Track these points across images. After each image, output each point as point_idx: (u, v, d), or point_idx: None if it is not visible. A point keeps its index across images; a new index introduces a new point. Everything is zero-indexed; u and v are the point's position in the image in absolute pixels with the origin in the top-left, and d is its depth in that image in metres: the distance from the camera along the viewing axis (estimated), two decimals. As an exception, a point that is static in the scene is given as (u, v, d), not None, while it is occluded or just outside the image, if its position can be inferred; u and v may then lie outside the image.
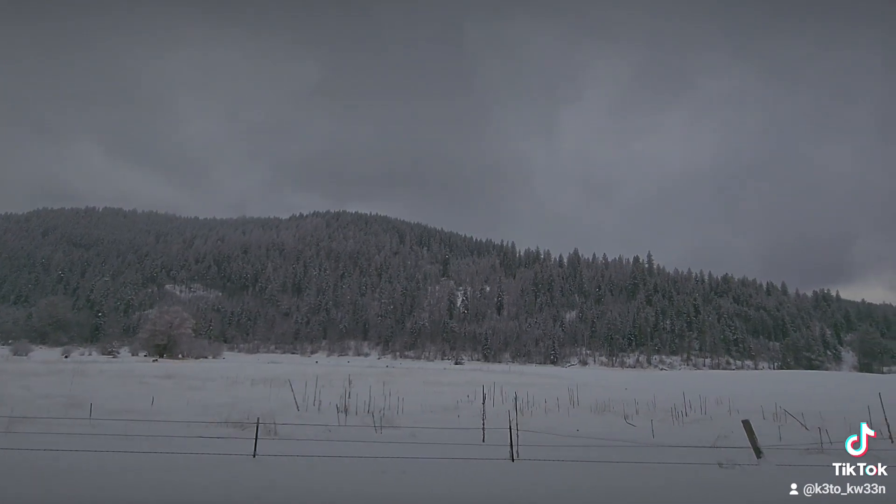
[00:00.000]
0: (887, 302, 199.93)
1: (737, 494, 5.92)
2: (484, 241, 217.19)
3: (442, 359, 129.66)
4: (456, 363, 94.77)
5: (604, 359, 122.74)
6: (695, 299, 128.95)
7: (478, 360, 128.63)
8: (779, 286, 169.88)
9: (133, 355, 66.44)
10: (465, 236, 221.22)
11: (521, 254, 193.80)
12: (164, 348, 60.73)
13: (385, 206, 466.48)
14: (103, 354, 69.05)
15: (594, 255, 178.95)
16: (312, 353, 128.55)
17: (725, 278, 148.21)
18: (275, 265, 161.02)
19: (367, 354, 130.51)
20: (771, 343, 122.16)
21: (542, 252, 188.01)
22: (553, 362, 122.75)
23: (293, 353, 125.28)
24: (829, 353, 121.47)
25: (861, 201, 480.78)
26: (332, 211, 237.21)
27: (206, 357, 68.21)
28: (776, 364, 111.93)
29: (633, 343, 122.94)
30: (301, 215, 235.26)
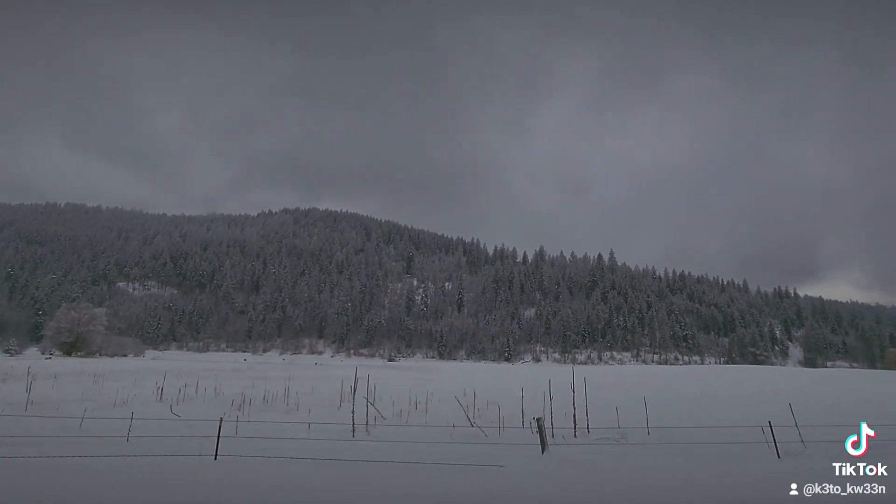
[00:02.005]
0: (854, 299, 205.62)
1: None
2: (455, 238, 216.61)
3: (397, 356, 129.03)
4: (390, 360, 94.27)
5: (557, 355, 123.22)
6: (648, 296, 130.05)
7: (432, 357, 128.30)
8: (740, 283, 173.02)
9: (43, 353, 64.30)
10: (437, 234, 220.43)
11: (491, 252, 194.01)
12: (71, 346, 58.88)
13: (360, 204, 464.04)
14: (4, 352, 66.71)
15: (561, 252, 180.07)
16: (265, 351, 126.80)
17: (682, 275, 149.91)
18: (234, 262, 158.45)
19: (321, 352, 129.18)
20: (720, 339, 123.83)
21: (508, 250, 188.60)
22: (507, 359, 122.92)
23: (244, 352, 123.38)
24: (776, 348, 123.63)
25: (829, 199, 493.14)
26: (301, 208, 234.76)
27: (125, 355, 66.41)
28: (722, 359, 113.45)
29: (587, 340, 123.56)
30: (270, 212, 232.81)
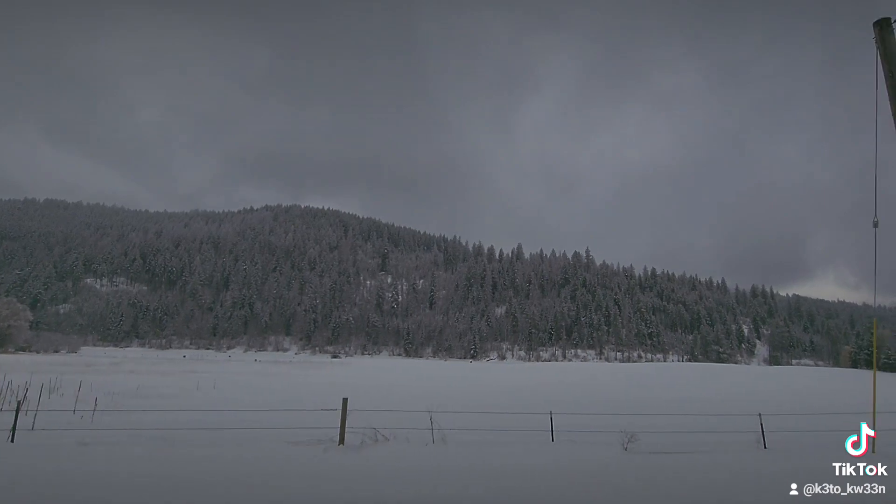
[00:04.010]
0: (841, 299, 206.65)
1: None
2: (437, 235, 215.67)
3: (362, 354, 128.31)
4: (333, 357, 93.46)
5: (522, 353, 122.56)
6: (615, 294, 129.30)
7: (398, 355, 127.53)
8: (718, 282, 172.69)
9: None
10: (417, 231, 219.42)
11: (470, 249, 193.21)
12: (-7, 342, 57.98)
13: (345, 202, 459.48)
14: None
15: (541, 249, 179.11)
16: (229, 348, 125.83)
17: (652, 273, 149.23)
18: (205, 259, 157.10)
19: (286, 350, 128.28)
20: (687, 336, 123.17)
21: (486, 247, 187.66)
22: (473, 357, 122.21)
23: (208, 349, 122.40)
24: (743, 346, 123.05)
25: (815, 198, 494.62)
26: (282, 205, 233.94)
27: (57, 351, 65.40)
28: (685, 357, 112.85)
29: (553, 337, 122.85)
30: (252, 209, 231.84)
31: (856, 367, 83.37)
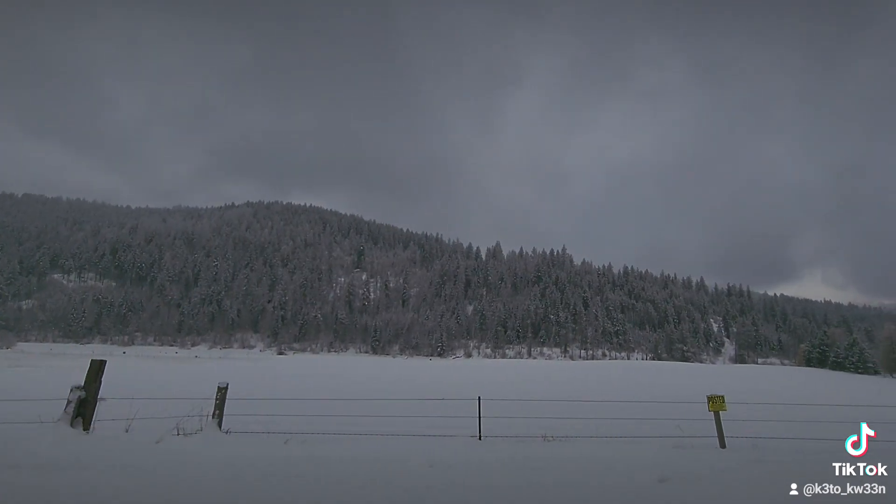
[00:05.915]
0: (828, 299, 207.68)
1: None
2: (417, 233, 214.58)
3: (328, 351, 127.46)
4: (279, 353, 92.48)
5: (489, 350, 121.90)
6: (584, 292, 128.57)
7: (365, 352, 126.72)
8: (698, 280, 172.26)
9: None
10: (398, 229, 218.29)
11: (450, 245, 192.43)
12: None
13: (332, 200, 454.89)
14: None
15: (521, 247, 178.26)
16: (194, 345, 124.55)
17: (625, 271, 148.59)
18: (176, 255, 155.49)
19: (252, 347, 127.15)
20: (653, 335, 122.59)
21: (465, 245, 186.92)
22: (440, 354, 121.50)
23: (172, 346, 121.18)
24: (710, 344, 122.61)
25: (801, 198, 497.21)
26: (263, 201, 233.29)
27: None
28: (649, 356, 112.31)
29: (520, 335, 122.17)
30: (233, 205, 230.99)
31: (809, 366, 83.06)
